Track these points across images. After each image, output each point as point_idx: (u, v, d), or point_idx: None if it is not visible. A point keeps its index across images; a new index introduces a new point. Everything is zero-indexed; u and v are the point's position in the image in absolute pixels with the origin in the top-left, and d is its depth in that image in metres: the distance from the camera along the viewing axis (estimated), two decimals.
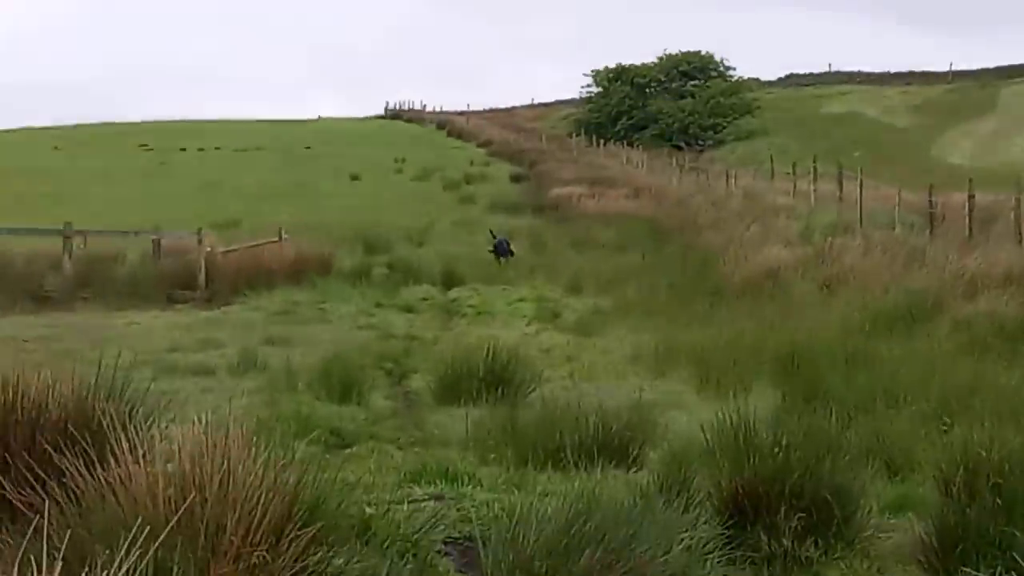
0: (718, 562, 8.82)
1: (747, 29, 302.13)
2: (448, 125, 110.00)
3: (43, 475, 6.62)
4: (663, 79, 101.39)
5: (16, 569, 5.12)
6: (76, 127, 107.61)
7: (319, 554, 6.92)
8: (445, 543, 9.19)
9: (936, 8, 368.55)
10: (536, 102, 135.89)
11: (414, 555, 8.42)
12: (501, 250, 37.25)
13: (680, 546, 8.56)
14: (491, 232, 39.61)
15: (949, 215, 31.56)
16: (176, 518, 6.03)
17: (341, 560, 7.40)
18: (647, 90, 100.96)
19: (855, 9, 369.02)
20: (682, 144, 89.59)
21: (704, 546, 8.82)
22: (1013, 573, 5.95)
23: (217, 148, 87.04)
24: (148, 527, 5.56)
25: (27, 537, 5.39)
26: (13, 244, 33.82)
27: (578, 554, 7.84)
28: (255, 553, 6.44)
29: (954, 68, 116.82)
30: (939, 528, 8.95)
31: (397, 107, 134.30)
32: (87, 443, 6.84)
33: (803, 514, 9.41)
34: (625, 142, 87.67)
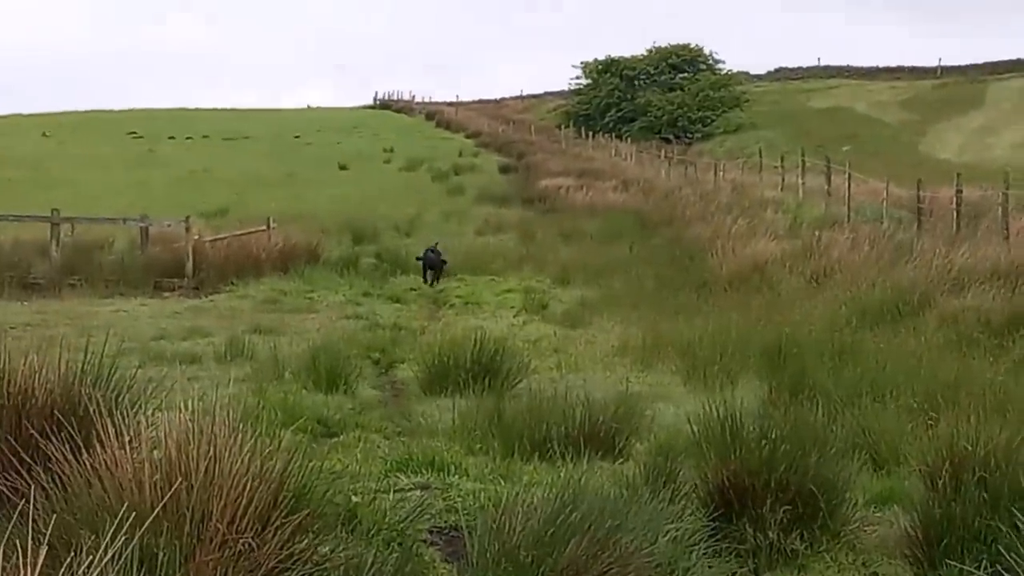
0: (703, 554, 8.84)
1: (737, 23, 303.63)
2: (437, 115, 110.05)
3: (28, 460, 6.62)
4: (652, 72, 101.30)
5: (0, 553, 5.11)
6: (64, 114, 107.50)
7: (305, 542, 6.92)
8: (431, 532, 9.20)
9: (924, 3, 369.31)
10: (525, 93, 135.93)
11: (400, 544, 8.42)
12: (430, 262, 30.44)
13: (666, 537, 8.57)
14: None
15: (937, 210, 31.62)
16: (162, 504, 6.03)
17: (327, 548, 7.40)
18: (636, 82, 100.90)
19: (843, 4, 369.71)
20: (671, 137, 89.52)
21: (690, 537, 8.83)
22: (998, 566, 5.95)
23: (205, 136, 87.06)
24: (134, 513, 5.56)
25: (12, 521, 5.39)
26: (0, 231, 33.82)
27: (564, 544, 7.84)
28: (241, 540, 6.44)
29: (943, 63, 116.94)
30: (924, 521, 8.97)
31: (386, 97, 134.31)
32: (73, 429, 6.84)
33: (789, 506, 9.43)
34: (614, 134, 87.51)
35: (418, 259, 30.96)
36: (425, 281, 30.07)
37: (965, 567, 7.67)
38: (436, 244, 31.77)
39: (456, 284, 29.61)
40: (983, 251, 24.47)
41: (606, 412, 12.15)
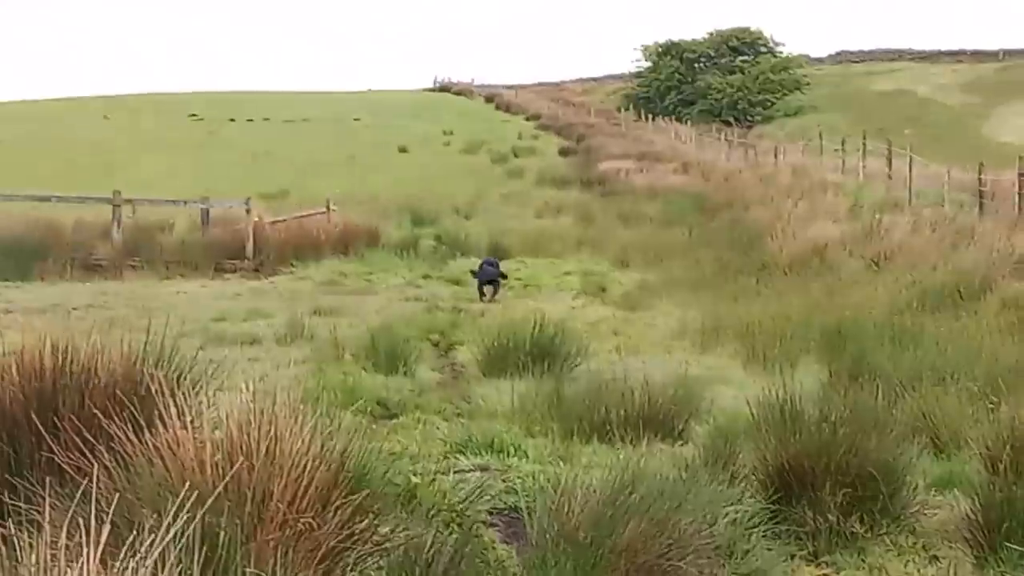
0: (762, 536, 8.82)
1: (798, 5, 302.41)
2: (496, 98, 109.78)
3: (91, 439, 6.65)
4: (712, 54, 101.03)
5: (64, 532, 5.15)
6: (126, 96, 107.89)
7: (365, 522, 6.94)
8: (490, 513, 9.22)
9: None
10: (585, 77, 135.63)
11: (459, 525, 8.45)
12: (485, 275, 25.30)
13: (725, 519, 8.56)
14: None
15: (999, 194, 31.36)
16: (223, 484, 6.05)
17: (387, 528, 7.43)
18: (696, 65, 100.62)
19: None
20: (731, 119, 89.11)
21: (748, 520, 8.82)
22: None
23: (266, 119, 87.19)
24: (195, 492, 5.58)
25: (75, 500, 5.42)
26: (63, 213, 34.01)
27: (622, 526, 7.83)
28: (301, 520, 6.47)
29: (1005, 47, 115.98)
30: (985, 505, 8.92)
31: (446, 80, 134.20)
32: (135, 409, 6.87)
33: (848, 489, 9.39)
34: (673, 117, 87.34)
35: (473, 274, 25.72)
36: (482, 297, 24.81)
37: None
38: (495, 259, 26.99)
39: (516, 266, 29.57)
40: None
41: (665, 395, 12.14)
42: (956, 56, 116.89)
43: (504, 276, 25.58)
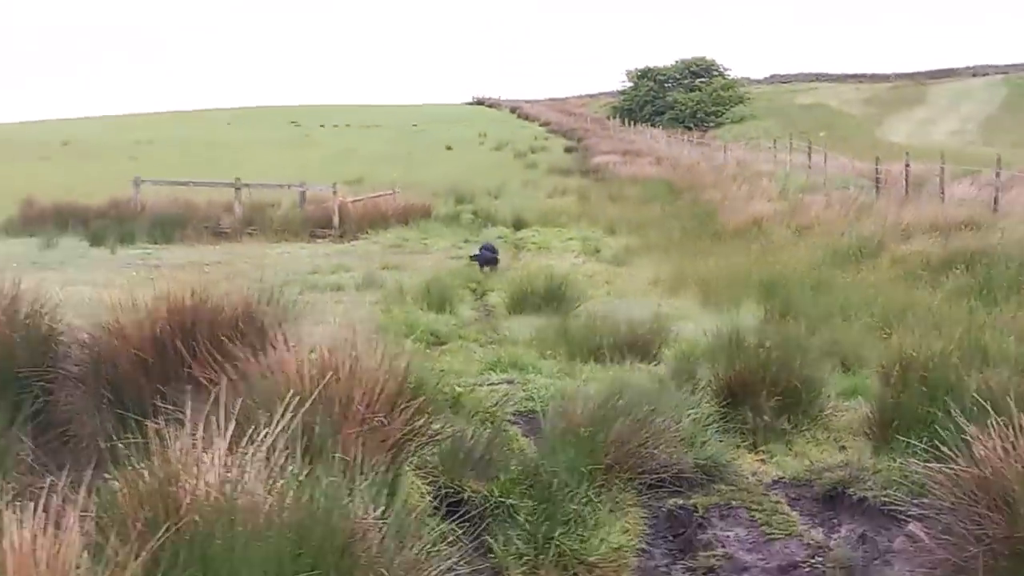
0: (716, 431, 8.82)
1: (741, 39, 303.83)
2: (518, 110, 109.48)
3: (220, 359, 6.66)
4: (678, 77, 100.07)
5: (202, 428, 5.16)
6: (244, 108, 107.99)
7: (422, 420, 6.94)
8: (514, 415, 9.24)
9: (882, 23, 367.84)
10: (583, 93, 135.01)
11: (491, 423, 8.46)
12: (483, 259, 21.36)
13: (688, 419, 8.57)
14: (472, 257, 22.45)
15: (890, 180, 31.24)
16: (317, 392, 6.05)
17: (438, 425, 7.44)
18: (666, 85, 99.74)
19: (823, 23, 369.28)
20: (691, 126, 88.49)
21: (705, 419, 8.83)
22: (935, 441, 5.90)
23: (347, 125, 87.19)
24: (297, 398, 5.58)
25: (209, 404, 5.43)
26: (198, 194, 34.10)
27: (612, 423, 7.85)
28: (375, 418, 6.47)
29: (895, 71, 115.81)
30: (880, 408, 8.91)
31: (481, 96, 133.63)
32: (253, 337, 6.89)
33: (779, 397, 9.39)
34: (649, 124, 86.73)
35: (472, 258, 21.79)
36: (481, 272, 20.93)
37: (910, 441, 7.62)
38: (492, 244, 22.92)
39: (532, 234, 29.44)
40: (924, 210, 24.19)
41: (643, 328, 12.12)
42: (858, 78, 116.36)
43: (498, 262, 21.33)
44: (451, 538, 6.19)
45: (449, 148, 67.96)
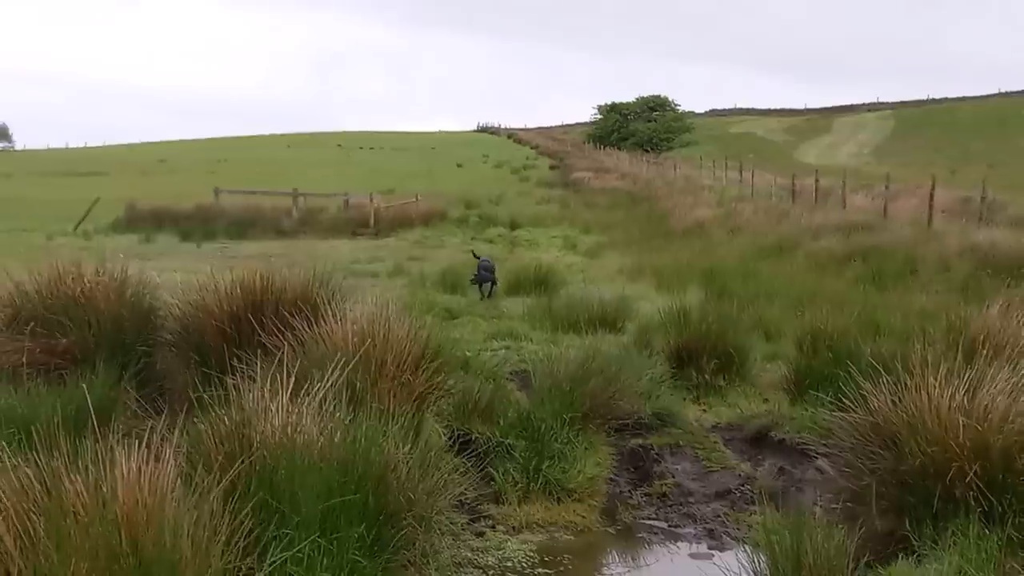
0: (668, 387, 8.82)
1: (688, 81, 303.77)
2: (513, 136, 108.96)
3: (283, 329, 6.65)
4: (638, 111, 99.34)
5: (268, 383, 5.16)
6: (298, 134, 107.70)
7: (440, 378, 6.93)
8: (511, 374, 9.22)
9: (797, 68, 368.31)
10: (564, 123, 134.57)
11: (493, 380, 8.44)
12: (482, 278, 15.17)
13: (646, 377, 8.56)
14: (473, 253, 17.93)
15: (804, 191, 31.19)
16: (358, 355, 6.05)
17: (452, 381, 7.43)
18: (628, 117, 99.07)
19: (752, 68, 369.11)
20: (649, 149, 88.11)
21: (659, 378, 8.82)
22: (839, 396, 5.92)
23: (381, 148, 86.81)
24: (343, 360, 5.58)
25: (274, 365, 5.43)
26: (264, 201, 33.98)
27: (588, 380, 7.84)
28: (403, 376, 6.46)
29: (807, 106, 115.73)
30: (796, 370, 8.92)
31: (485, 124, 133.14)
32: (308, 311, 6.87)
33: (717, 360, 9.40)
34: (616, 147, 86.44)
35: (472, 281, 15.43)
36: (482, 298, 14.87)
37: (819, 395, 7.63)
38: (490, 262, 15.72)
39: (524, 232, 29.33)
40: (830, 215, 24.17)
41: (611, 306, 12.10)
42: (780, 112, 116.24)
43: (496, 283, 15.37)
44: (462, 470, 6.21)
45: (460, 166, 67.77)
